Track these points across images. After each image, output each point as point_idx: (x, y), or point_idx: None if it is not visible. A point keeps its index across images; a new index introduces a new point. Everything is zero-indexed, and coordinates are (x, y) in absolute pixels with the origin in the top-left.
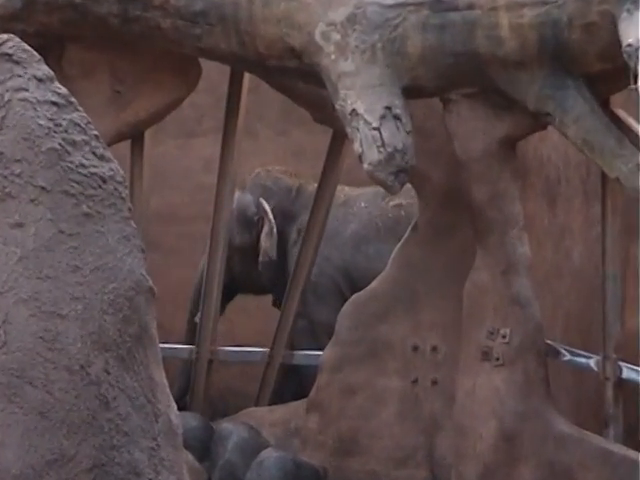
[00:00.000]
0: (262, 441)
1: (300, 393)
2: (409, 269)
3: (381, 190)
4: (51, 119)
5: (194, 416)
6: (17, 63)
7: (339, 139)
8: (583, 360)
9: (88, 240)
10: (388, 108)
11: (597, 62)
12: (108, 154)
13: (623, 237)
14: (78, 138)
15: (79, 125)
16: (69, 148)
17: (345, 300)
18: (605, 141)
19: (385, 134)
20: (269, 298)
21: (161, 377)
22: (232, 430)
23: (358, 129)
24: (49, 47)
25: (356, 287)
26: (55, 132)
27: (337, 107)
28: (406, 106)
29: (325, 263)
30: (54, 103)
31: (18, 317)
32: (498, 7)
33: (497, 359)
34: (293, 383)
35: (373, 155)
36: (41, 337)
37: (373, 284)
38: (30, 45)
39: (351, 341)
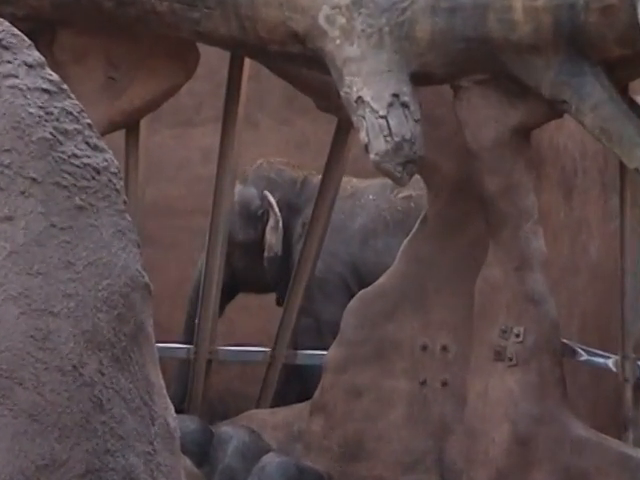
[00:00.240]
0: (263, 445)
1: (304, 395)
2: (418, 264)
3: (390, 182)
4: (42, 107)
5: (192, 419)
6: (6, 48)
7: (344, 128)
8: (601, 360)
9: (81, 234)
10: (396, 95)
11: (616, 47)
12: (102, 144)
13: None
14: (70, 127)
15: (71, 113)
16: (61, 138)
17: (353, 297)
18: (624, 130)
19: (392, 123)
20: (271, 295)
21: (158, 378)
22: (232, 434)
23: (364, 117)
24: (40, 31)
25: (364, 283)
26: (46, 121)
27: (342, 94)
28: (415, 93)
29: (332, 259)
30: (45, 90)
31: (7, 315)
32: None
33: (510, 359)
34: (296, 384)
35: (380, 145)
36: (31, 336)
37: (380, 280)
38: (20, 29)
39: (357, 340)
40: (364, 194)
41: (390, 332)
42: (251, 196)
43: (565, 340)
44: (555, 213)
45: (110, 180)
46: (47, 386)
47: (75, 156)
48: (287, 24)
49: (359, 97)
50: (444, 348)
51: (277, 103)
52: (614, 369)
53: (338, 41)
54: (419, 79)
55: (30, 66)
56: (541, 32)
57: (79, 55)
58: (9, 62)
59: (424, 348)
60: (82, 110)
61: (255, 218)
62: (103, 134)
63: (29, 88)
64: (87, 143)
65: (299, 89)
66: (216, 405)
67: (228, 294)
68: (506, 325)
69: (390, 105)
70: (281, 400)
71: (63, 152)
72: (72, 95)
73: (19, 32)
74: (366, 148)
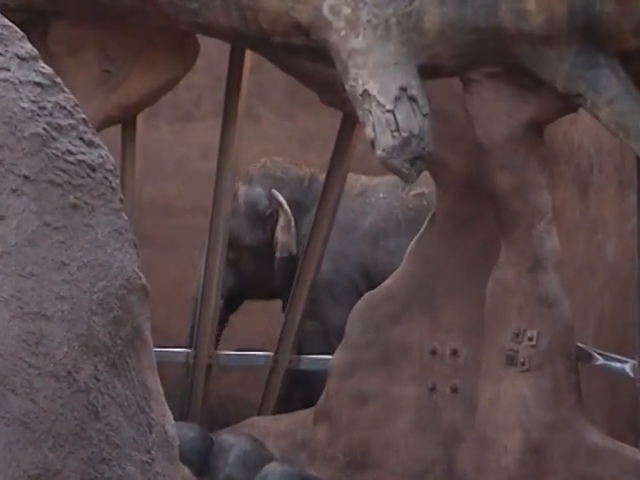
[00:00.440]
0: (266, 454)
1: (308, 401)
2: (426, 265)
3: None
4: (34, 101)
5: (192, 426)
6: None
7: (349, 123)
8: (617, 364)
9: (75, 234)
10: (403, 89)
11: (632, 38)
12: (97, 140)
13: None
14: (64, 122)
15: (65, 108)
16: (54, 133)
17: None
18: None
19: (400, 117)
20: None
21: (155, 384)
22: (233, 442)
23: (370, 112)
24: (32, 22)
25: (374, 285)
26: (39, 116)
27: (347, 88)
28: (423, 87)
29: (341, 260)
30: (38, 84)
31: None
32: None
33: (523, 364)
34: (300, 390)
35: (387, 140)
36: (24, 340)
37: (387, 282)
38: (12, 20)
39: (363, 344)
40: (374, 192)
41: (397, 336)
42: (258, 196)
43: (580, 344)
44: (570, 212)
45: (106, 177)
46: (40, 392)
47: (69, 152)
48: (290, 14)
49: (365, 91)
50: (454, 352)
51: (279, 97)
52: (631, 374)
53: (343, 32)
54: (428, 72)
55: (22, 59)
56: (555, 22)
57: (73, 47)
58: (1, 55)
59: (433, 352)
60: (76, 104)
61: (263, 219)
62: (98, 129)
63: (21, 82)
64: (82, 139)
65: (302, 82)
66: (216, 412)
67: (233, 303)
68: (519, 328)
69: (397, 99)
70: (284, 407)
71: (57, 148)
72: (66, 89)
73: (11, 23)
74: (372, 144)
